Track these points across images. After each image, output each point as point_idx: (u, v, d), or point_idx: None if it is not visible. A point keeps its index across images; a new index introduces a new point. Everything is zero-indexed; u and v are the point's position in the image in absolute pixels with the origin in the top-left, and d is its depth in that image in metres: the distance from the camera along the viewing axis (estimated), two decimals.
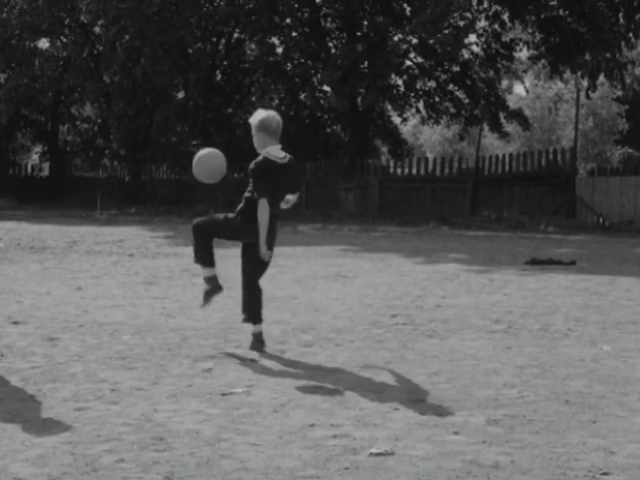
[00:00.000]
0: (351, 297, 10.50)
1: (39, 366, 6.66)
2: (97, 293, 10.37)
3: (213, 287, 7.44)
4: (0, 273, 11.88)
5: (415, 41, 30.42)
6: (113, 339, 7.74)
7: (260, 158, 7.24)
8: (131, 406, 5.53)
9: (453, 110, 35.08)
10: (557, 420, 5.24)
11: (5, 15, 33.42)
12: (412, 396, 5.81)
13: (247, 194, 7.28)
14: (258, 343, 7.28)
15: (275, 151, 7.31)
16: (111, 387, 6.01)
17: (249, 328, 7.46)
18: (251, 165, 7.26)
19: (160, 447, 4.71)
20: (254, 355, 7.07)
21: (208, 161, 7.40)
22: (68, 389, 5.95)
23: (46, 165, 43.77)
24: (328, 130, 37.33)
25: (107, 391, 5.91)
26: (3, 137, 41.36)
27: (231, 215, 7.36)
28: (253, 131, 7.33)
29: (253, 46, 36.90)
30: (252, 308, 7.38)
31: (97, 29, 35.52)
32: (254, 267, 7.41)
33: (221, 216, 7.52)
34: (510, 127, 40.02)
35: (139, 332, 8.08)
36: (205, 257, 7.40)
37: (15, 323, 8.50)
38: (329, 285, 11.61)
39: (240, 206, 7.31)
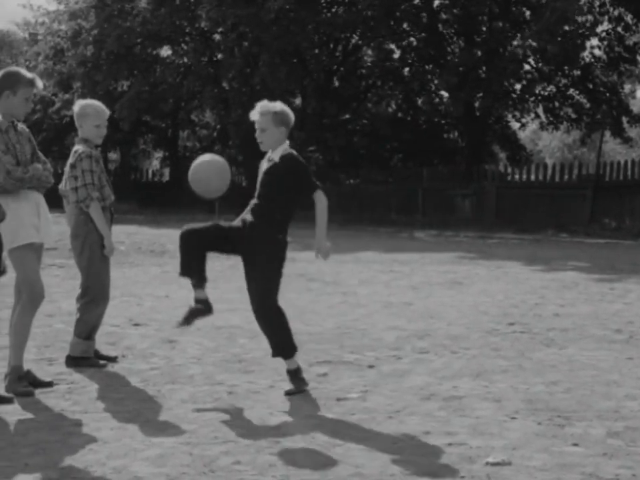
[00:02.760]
0: (466, 304, 10.41)
1: (158, 367, 6.79)
2: (214, 297, 10.49)
3: (202, 308, 6.24)
4: (121, 276, 12.16)
5: (534, 44, 29.94)
6: (230, 342, 7.84)
7: (294, 152, 6.30)
8: (248, 409, 5.59)
9: (573, 115, 34.41)
10: None
11: (128, 23, 34.22)
12: (529, 405, 5.72)
13: (259, 200, 6.23)
14: (298, 380, 6.11)
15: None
16: (228, 390, 6.09)
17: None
18: (301, 160, 6.29)
19: (275, 450, 4.75)
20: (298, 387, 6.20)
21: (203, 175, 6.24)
22: (186, 391, 6.05)
23: (166, 170, 44.65)
24: (445, 135, 37.07)
25: (224, 394, 5.99)
26: (125, 143, 42.35)
27: (236, 224, 6.25)
28: (271, 125, 6.17)
29: (370, 51, 36.93)
30: (276, 339, 6.16)
31: (216, 36, 36.08)
32: (266, 285, 6.15)
33: (224, 224, 6.30)
34: (633, 132, 39.08)
35: (256, 336, 8.14)
36: (195, 271, 6.19)
37: (136, 325, 8.69)
38: (445, 292, 11.53)
39: (250, 215, 6.21)
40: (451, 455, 4.68)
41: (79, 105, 7.08)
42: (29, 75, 6.26)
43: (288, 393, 5.97)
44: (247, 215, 6.22)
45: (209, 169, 6.23)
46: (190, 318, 6.20)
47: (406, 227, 26.90)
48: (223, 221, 6.36)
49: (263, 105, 6.23)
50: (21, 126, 6.37)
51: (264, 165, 6.31)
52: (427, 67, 33.92)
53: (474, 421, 5.34)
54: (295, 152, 6.28)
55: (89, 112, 6.96)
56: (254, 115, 6.21)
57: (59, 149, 40.92)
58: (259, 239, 6.07)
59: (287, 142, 6.29)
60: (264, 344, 7.69)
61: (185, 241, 6.12)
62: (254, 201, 6.24)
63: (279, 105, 6.25)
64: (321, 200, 6.24)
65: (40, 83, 6.33)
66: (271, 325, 6.10)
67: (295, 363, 6.11)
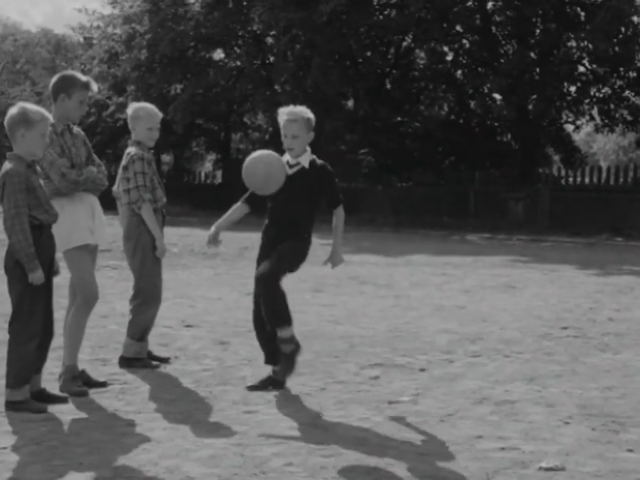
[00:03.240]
0: (519, 307, 10.33)
1: (210, 369, 6.82)
2: None
3: (295, 348, 6.11)
4: (174, 278, 12.25)
5: (588, 45, 29.65)
6: None
7: (322, 160, 6.34)
8: (299, 411, 5.59)
9: (628, 117, 34.01)
10: None
11: (181, 27, 34.48)
12: (583, 410, 5.66)
13: (282, 205, 6.17)
14: (287, 361, 6.09)
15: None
16: (280, 392, 6.10)
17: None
18: (332, 171, 6.34)
19: (327, 452, 4.74)
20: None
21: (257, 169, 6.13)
22: (238, 392, 6.07)
23: (219, 173, 44.89)
24: (498, 138, 36.84)
25: (275, 395, 6.00)
26: (178, 145, 42.67)
27: (286, 245, 6.09)
28: (303, 131, 6.19)
29: (423, 54, 36.83)
30: (274, 306, 6.03)
31: (268, 39, 36.23)
32: (281, 261, 6.02)
33: (275, 253, 6.06)
34: None
35: (307, 338, 8.16)
36: (286, 313, 6.05)
37: (188, 326, 8.74)
38: (497, 296, 11.45)
39: (275, 226, 6.22)
40: (504, 460, 4.64)
41: (131, 107, 7.14)
42: (83, 78, 6.33)
43: (254, 387, 6.16)
44: (270, 230, 6.25)
45: (266, 167, 6.12)
46: (266, 384, 6.16)
47: (458, 230, 26.79)
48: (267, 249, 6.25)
49: (292, 112, 6.21)
50: (76, 129, 6.44)
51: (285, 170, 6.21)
52: (479, 69, 33.74)
53: (527, 426, 5.30)
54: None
55: (141, 115, 7.02)
56: (283, 122, 6.19)
57: (113, 151, 41.40)
58: (286, 238, 6.14)
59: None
60: (316, 346, 7.72)
61: (276, 285, 5.95)
62: (274, 207, 6.22)
63: (308, 111, 6.26)
64: (341, 214, 6.37)
65: (95, 86, 6.40)
66: (273, 291, 5.94)
67: (290, 332, 6.04)
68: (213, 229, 6.30)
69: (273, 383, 6.14)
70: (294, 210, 6.16)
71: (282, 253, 6.03)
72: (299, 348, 6.11)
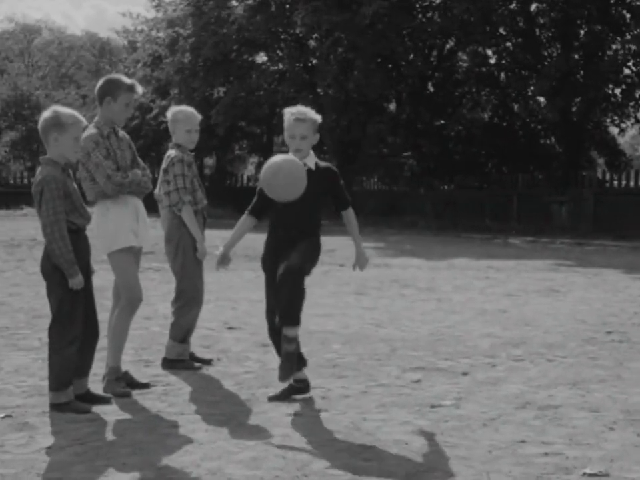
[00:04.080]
0: (563, 312, 10.25)
1: (252, 371, 6.84)
2: (308, 302, 10.55)
3: (296, 348, 5.89)
4: (216, 280, 12.29)
5: (634, 48, 29.36)
6: (324, 347, 7.85)
7: (326, 162, 6.19)
8: (341, 414, 5.59)
9: None
10: None
11: (224, 30, 34.63)
12: (628, 416, 5.60)
13: (291, 211, 5.85)
14: (288, 361, 5.80)
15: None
16: (322, 394, 6.10)
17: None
18: (338, 174, 6.16)
19: (369, 455, 4.73)
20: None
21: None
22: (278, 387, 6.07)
23: None
24: (541, 141, 36.59)
25: (317, 398, 6.00)
26: (221, 148, 42.86)
27: (306, 243, 5.88)
28: (311, 132, 5.97)
29: (466, 57, 36.69)
30: (291, 303, 5.82)
31: (311, 42, 36.28)
32: (305, 259, 5.82)
33: (295, 252, 5.80)
34: None
35: (349, 341, 8.16)
36: (300, 313, 5.86)
37: (230, 328, 8.77)
38: (541, 300, 11.37)
39: (287, 231, 5.91)
40: (547, 465, 4.60)
41: (171, 111, 7.19)
42: (128, 81, 6.38)
43: (275, 398, 5.97)
44: (278, 233, 5.95)
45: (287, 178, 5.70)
46: (287, 394, 6.01)
47: (500, 234, 26.63)
48: (271, 287, 5.97)
49: (301, 111, 6.00)
50: (122, 132, 6.49)
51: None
52: (522, 72, 33.54)
53: (571, 431, 5.25)
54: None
55: (180, 117, 7.06)
56: (291, 122, 5.94)
57: (157, 154, 41.65)
58: (297, 240, 5.87)
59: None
60: (358, 349, 7.71)
61: (302, 279, 5.77)
62: (282, 210, 5.86)
63: (314, 112, 6.05)
64: (352, 215, 6.17)
65: (140, 89, 6.44)
66: (298, 287, 5.72)
67: (296, 332, 5.83)
68: (221, 249, 6.07)
69: (295, 391, 6.03)
70: (303, 213, 5.89)
71: (304, 250, 5.83)
72: (298, 349, 5.95)
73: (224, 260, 6.09)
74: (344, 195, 6.10)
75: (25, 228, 23.38)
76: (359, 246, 6.15)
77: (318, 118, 6.03)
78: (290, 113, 5.98)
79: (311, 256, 5.91)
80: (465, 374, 6.83)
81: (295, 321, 5.80)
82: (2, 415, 5.42)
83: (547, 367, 7.14)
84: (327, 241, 5.85)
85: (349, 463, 4.61)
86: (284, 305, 5.76)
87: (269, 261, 5.99)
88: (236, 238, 6.13)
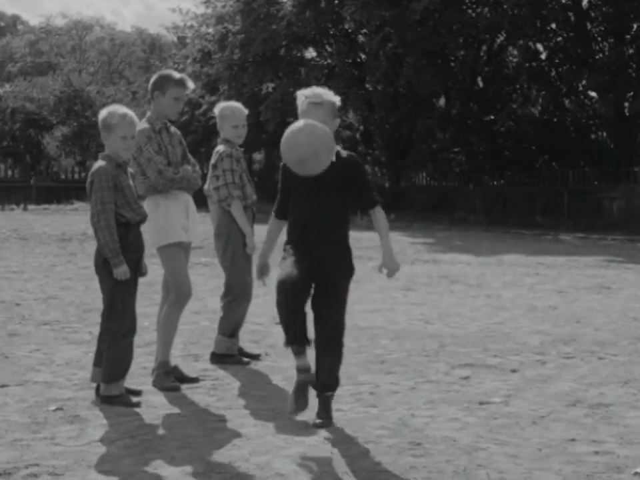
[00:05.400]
0: (614, 309, 10.13)
1: None
2: (357, 298, 10.55)
3: (308, 379, 5.30)
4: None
5: None
6: (373, 343, 7.84)
7: (353, 154, 5.40)
8: (389, 410, 5.58)
9: None
10: None
11: (274, 26, 34.68)
12: None
13: (317, 209, 5.23)
14: (328, 414, 5.31)
15: None
16: (370, 390, 6.09)
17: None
18: (364, 168, 5.46)
19: (417, 452, 4.72)
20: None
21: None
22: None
23: None
24: (592, 136, 36.19)
25: (365, 394, 6.00)
26: (270, 144, 42.93)
27: (306, 257, 5.18)
28: (329, 117, 5.26)
29: (516, 52, 36.38)
30: (339, 365, 5.34)
31: (360, 37, 36.21)
32: (345, 304, 5.33)
33: (303, 267, 5.11)
34: None
35: (398, 337, 8.14)
36: (301, 334, 5.19)
37: (279, 323, 8.76)
38: (591, 297, 11.25)
39: (312, 233, 5.23)
40: (598, 464, 4.56)
41: (218, 107, 7.23)
42: (177, 75, 6.43)
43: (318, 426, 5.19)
44: (302, 234, 5.24)
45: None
46: (301, 397, 5.24)
47: (551, 230, 26.41)
48: (301, 265, 5.12)
49: (317, 94, 5.28)
50: (173, 128, 6.54)
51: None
52: (574, 67, 33.19)
53: (622, 430, 5.19)
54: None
55: (226, 113, 7.09)
56: (305, 106, 5.24)
57: (206, 150, 41.84)
58: (324, 248, 5.22)
59: None
60: (406, 345, 7.69)
61: (287, 307, 5.11)
62: (303, 207, 5.25)
63: (332, 93, 5.34)
64: (381, 215, 5.33)
65: (190, 84, 6.48)
66: (339, 356, 5.30)
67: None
68: (260, 260, 5.51)
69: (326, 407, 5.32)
70: (327, 211, 5.20)
71: (341, 294, 5.24)
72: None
73: (264, 270, 5.51)
74: (370, 191, 5.30)
75: (75, 222, 23.63)
76: (389, 250, 5.33)
77: (337, 100, 5.32)
78: (304, 95, 5.30)
79: (346, 297, 5.30)
80: (514, 371, 6.78)
81: (338, 384, 5.34)
82: (53, 408, 5.48)
83: (597, 364, 7.07)
84: (377, 237, 5.58)
85: (397, 459, 4.60)
86: (329, 374, 5.26)
87: (306, 261, 5.15)
88: (269, 245, 5.53)
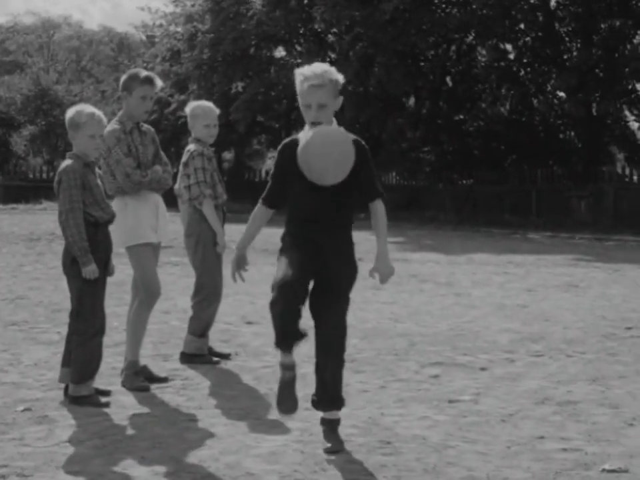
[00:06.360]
0: (583, 307, 10.20)
1: (270, 365, 6.83)
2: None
3: (291, 376, 4.78)
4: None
5: None
6: None
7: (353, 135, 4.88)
8: (359, 409, 5.58)
9: None
10: None
11: (243, 25, 34.63)
12: None
13: (324, 200, 4.76)
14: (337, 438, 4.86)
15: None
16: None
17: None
18: (365, 146, 4.88)
19: (387, 450, 4.73)
20: None
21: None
22: (298, 389, 6.06)
23: None
24: (561, 136, 36.42)
25: None
26: (240, 143, 42.87)
27: (310, 253, 4.74)
28: (331, 98, 4.82)
29: (485, 52, 36.55)
30: (341, 380, 4.91)
31: (330, 37, 36.23)
32: (347, 304, 4.92)
33: (304, 266, 4.68)
34: None
35: (367, 336, 8.15)
36: (293, 335, 4.68)
37: (249, 323, 8.78)
38: (560, 295, 11.33)
39: (319, 227, 4.79)
40: (566, 461, 4.59)
41: (189, 106, 7.23)
42: (143, 73, 6.40)
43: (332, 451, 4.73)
44: (309, 230, 4.78)
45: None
46: (289, 397, 4.76)
47: (520, 228, 26.55)
48: (299, 263, 4.68)
49: (317, 74, 4.75)
50: (146, 126, 6.52)
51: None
52: (543, 67, 33.38)
53: (590, 427, 5.23)
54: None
55: (198, 113, 7.10)
56: (306, 88, 4.75)
57: (176, 149, 41.71)
58: (334, 244, 4.84)
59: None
60: (376, 344, 7.71)
61: (283, 307, 4.58)
62: (308, 199, 4.77)
63: (334, 70, 4.83)
64: (381, 210, 4.89)
65: (159, 82, 6.46)
66: (341, 368, 4.86)
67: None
68: (237, 252, 4.98)
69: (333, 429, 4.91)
70: (334, 201, 4.78)
71: (343, 292, 4.87)
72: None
73: (240, 262, 4.98)
74: (375, 180, 4.87)
75: (44, 222, 23.47)
76: (384, 252, 4.86)
77: (340, 78, 4.80)
78: (303, 76, 4.78)
79: (349, 292, 4.93)
80: (483, 369, 6.81)
81: (343, 403, 4.92)
82: (21, 408, 5.45)
83: (566, 362, 7.11)
84: (357, 235, 5.27)
85: (367, 458, 4.61)
86: (333, 388, 4.85)
87: (299, 251, 4.73)
88: (251, 234, 5.05)
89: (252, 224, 5.02)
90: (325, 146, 4.60)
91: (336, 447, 4.73)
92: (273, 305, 4.60)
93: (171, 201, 6.97)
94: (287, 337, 4.63)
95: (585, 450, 4.77)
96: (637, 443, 4.92)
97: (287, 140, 4.93)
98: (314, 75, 4.72)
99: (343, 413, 4.98)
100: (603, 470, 4.44)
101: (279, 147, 4.93)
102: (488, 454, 4.68)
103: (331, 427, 4.86)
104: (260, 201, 5.00)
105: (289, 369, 4.72)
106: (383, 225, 4.89)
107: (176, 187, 7.15)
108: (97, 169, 5.85)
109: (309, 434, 5.01)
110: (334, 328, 4.77)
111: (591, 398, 5.93)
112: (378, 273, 4.89)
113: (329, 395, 4.84)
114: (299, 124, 44.38)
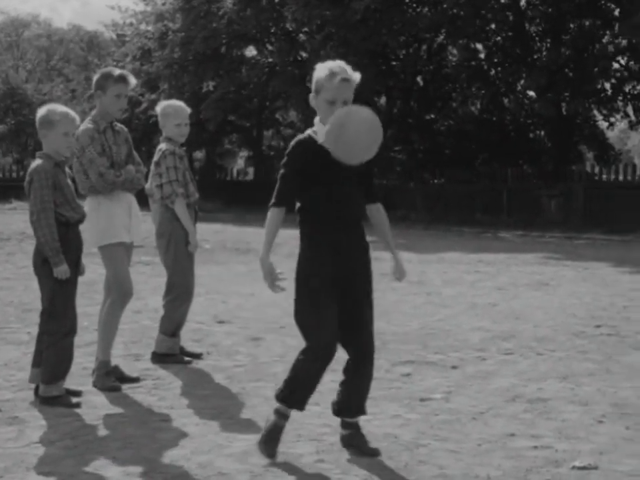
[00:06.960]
0: (553, 305, 10.27)
1: (242, 365, 6.84)
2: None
3: (284, 425, 4.73)
4: (207, 274, 12.27)
5: (624, 43, 29.39)
6: None
7: None
8: (330, 408, 5.58)
9: None
10: None
11: (214, 24, 34.54)
12: (617, 409, 5.62)
13: (344, 205, 4.66)
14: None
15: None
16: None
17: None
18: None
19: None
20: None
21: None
22: (270, 389, 6.06)
23: (251, 169, 44.94)
24: (531, 135, 36.62)
25: None
26: (211, 142, 42.78)
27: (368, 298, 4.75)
28: (352, 96, 4.65)
29: (456, 51, 36.68)
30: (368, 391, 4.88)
31: (301, 36, 36.22)
32: (373, 315, 4.82)
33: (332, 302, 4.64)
34: None
35: None
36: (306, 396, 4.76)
37: (221, 322, 8.77)
38: (531, 293, 11.39)
39: (343, 232, 4.68)
40: (537, 458, 4.62)
41: (160, 105, 7.23)
42: (117, 71, 6.38)
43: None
44: (333, 234, 4.64)
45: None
46: (274, 443, 4.64)
47: (491, 227, 26.65)
48: (328, 301, 4.66)
49: (344, 68, 4.60)
50: (120, 126, 6.50)
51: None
52: (513, 66, 33.55)
53: (560, 424, 5.27)
54: None
55: (169, 112, 7.09)
56: (336, 82, 4.53)
57: (147, 148, 41.59)
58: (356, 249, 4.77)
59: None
60: None
61: (316, 374, 4.71)
62: (332, 200, 4.60)
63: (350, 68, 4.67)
64: (384, 213, 4.92)
65: (132, 80, 6.44)
66: (372, 367, 4.81)
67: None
68: (263, 266, 4.75)
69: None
70: (355, 203, 4.70)
71: (370, 307, 4.77)
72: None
73: (272, 273, 4.74)
74: (373, 182, 4.88)
75: (14, 222, 23.32)
76: (397, 253, 5.00)
77: (358, 77, 4.66)
78: (331, 70, 4.55)
79: (372, 287, 4.86)
80: (454, 367, 6.84)
81: (365, 411, 4.88)
82: None
83: (536, 360, 7.16)
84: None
85: (340, 456, 4.62)
86: (361, 396, 4.82)
87: (323, 274, 4.65)
88: (269, 242, 4.73)
89: (269, 232, 4.71)
90: (364, 119, 4.41)
91: (374, 451, 4.69)
92: (311, 366, 4.65)
93: (142, 200, 6.95)
94: (309, 396, 4.70)
95: (555, 447, 4.81)
96: (607, 439, 4.96)
97: (300, 137, 4.71)
98: (344, 70, 4.56)
99: (314, 412, 4.98)
100: (573, 467, 4.47)
101: (291, 146, 4.68)
102: (459, 452, 4.71)
103: (357, 428, 4.81)
104: (271, 205, 4.71)
105: (285, 417, 4.71)
106: (389, 228, 4.95)
107: (147, 185, 7.13)
108: (67, 169, 5.83)
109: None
110: (367, 341, 4.72)
111: (561, 395, 5.97)
112: (401, 275, 4.96)
113: (359, 403, 4.83)
114: (270, 123, 44.45)
